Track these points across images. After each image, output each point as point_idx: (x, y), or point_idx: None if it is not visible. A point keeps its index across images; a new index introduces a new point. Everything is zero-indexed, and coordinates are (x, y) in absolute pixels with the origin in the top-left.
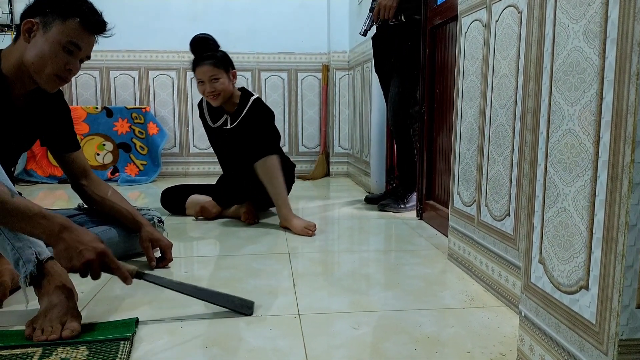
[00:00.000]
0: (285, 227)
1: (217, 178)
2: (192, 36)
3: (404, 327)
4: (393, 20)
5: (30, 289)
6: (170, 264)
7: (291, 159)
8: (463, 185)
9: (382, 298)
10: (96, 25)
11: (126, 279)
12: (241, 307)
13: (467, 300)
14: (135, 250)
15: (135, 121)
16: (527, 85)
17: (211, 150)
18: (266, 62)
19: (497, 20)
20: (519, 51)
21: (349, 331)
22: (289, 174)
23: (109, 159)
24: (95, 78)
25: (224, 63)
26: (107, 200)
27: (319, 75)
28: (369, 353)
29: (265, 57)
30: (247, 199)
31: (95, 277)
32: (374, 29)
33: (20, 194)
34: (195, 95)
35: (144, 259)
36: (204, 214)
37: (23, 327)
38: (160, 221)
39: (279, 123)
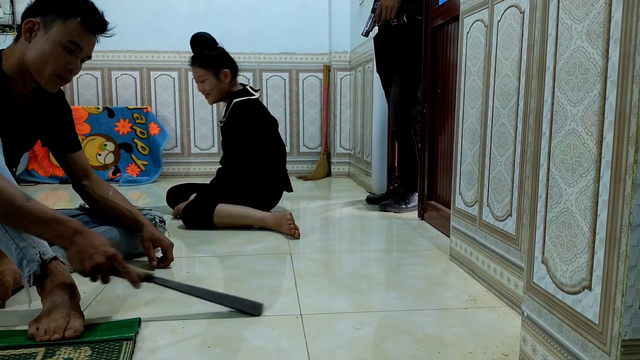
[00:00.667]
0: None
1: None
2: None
3: (406, 328)
4: (395, 20)
5: (33, 288)
6: (171, 264)
7: (292, 159)
8: (465, 185)
9: (384, 298)
10: (97, 24)
11: (135, 283)
12: (251, 309)
13: (469, 301)
14: (137, 250)
15: (137, 121)
16: (530, 85)
17: (212, 150)
18: (267, 62)
19: (499, 21)
20: (521, 51)
21: (351, 331)
22: (266, 189)
23: (110, 159)
24: (97, 78)
25: (213, 63)
26: (108, 200)
27: (320, 75)
28: (371, 353)
29: (266, 58)
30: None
31: (105, 280)
32: (375, 30)
33: None
34: (196, 95)
35: (145, 258)
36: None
37: (26, 327)
38: (162, 221)
39: (279, 124)
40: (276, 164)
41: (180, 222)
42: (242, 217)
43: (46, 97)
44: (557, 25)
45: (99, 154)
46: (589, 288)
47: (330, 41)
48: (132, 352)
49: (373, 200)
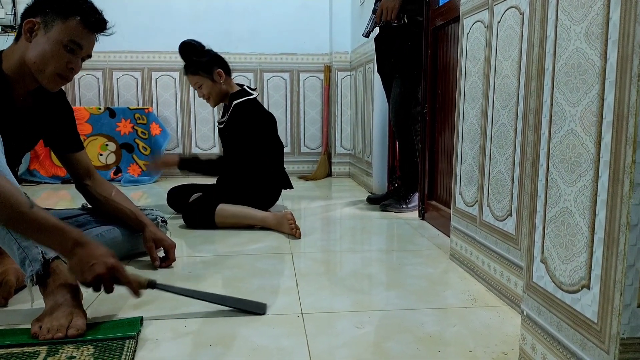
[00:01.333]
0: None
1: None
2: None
3: (406, 327)
4: (395, 21)
5: (36, 287)
6: (173, 264)
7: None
8: (465, 185)
9: (384, 298)
10: (97, 23)
11: (135, 293)
12: (255, 308)
13: (470, 300)
14: (139, 249)
15: (138, 122)
16: (529, 86)
17: (213, 150)
18: (268, 62)
19: (499, 22)
20: (520, 52)
21: (352, 330)
22: (266, 188)
23: (111, 159)
24: (98, 79)
25: (204, 67)
26: (110, 200)
27: (321, 75)
28: (372, 352)
29: (267, 58)
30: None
31: (108, 290)
32: (376, 31)
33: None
34: (197, 96)
35: (147, 258)
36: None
37: (29, 326)
38: (164, 221)
39: (280, 124)
40: (275, 162)
41: (181, 222)
42: (243, 217)
43: (47, 97)
44: (556, 27)
45: (101, 154)
46: (588, 287)
47: (331, 42)
48: (135, 351)
49: (374, 200)
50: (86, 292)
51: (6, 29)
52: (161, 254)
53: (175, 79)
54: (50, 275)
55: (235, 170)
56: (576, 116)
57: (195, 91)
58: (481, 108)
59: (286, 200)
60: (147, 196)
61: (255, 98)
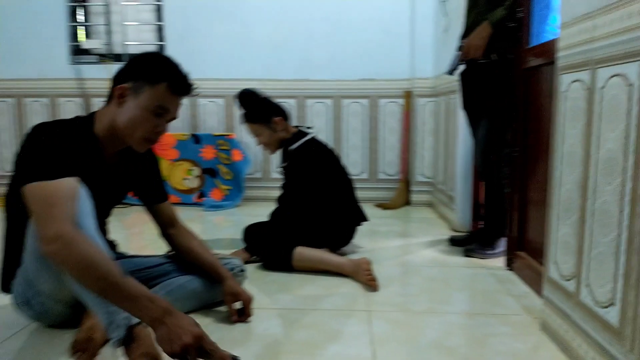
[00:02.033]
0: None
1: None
2: (281, 70)
3: None
4: (483, 59)
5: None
6: (249, 319)
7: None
8: (560, 256)
9: None
10: (183, 88)
11: None
12: None
13: None
14: (217, 299)
15: (221, 147)
16: None
17: None
18: (347, 88)
19: (603, 88)
20: (628, 128)
21: None
22: (338, 226)
23: (195, 183)
24: (185, 106)
25: (259, 117)
26: (192, 250)
27: (401, 101)
28: None
29: (346, 84)
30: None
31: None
32: (461, 68)
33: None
34: None
35: (225, 309)
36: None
37: None
38: (242, 270)
39: (357, 150)
40: (344, 197)
41: (253, 265)
42: (320, 262)
43: (135, 153)
44: None
45: (186, 179)
46: None
47: (412, 67)
48: None
49: (457, 242)
50: None
51: (102, 58)
52: (238, 305)
53: None
54: (133, 341)
55: (300, 211)
56: None
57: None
58: (580, 177)
59: (362, 237)
60: (228, 223)
61: (312, 138)
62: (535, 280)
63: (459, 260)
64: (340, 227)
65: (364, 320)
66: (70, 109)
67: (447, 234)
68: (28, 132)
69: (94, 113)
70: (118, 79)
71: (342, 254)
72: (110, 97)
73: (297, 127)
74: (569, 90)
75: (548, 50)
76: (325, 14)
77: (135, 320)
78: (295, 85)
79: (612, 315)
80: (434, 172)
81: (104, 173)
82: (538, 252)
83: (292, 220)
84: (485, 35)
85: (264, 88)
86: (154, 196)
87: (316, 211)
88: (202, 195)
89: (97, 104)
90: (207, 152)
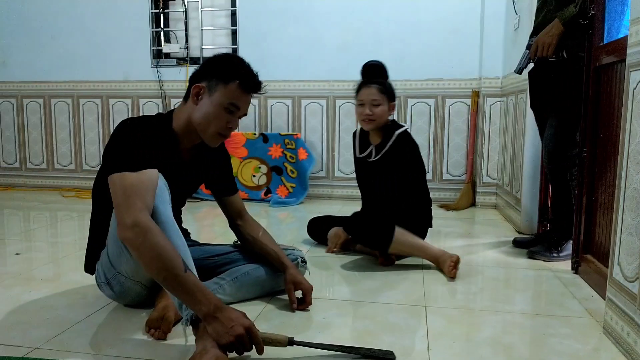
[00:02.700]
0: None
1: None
2: (348, 71)
3: None
4: (553, 57)
5: (189, 328)
6: (309, 307)
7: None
8: (625, 256)
9: None
10: (254, 86)
11: (261, 350)
12: (385, 354)
13: None
14: (280, 287)
15: (287, 146)
16: None
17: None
18: (413, 88)
19: None
20: None
21: None
22: (423, 215)
23: (263, 180)
24: (255, 106)
25: (388, 92)
26: (258, 240)
27: (468, 101)
28: None
29: (412, 84)
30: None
31: (247, 349)
32: (530, 66)
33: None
34: (342, 122)
35: (287, 298)
36: (332, 241)
37: None
38: (304, 261)
39: (423, 149)
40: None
41: (319, 257)
42: (418, 249)
43: (208, 148)
44: None
45: (254, 176)
46: None
47: (481, 66)
48: None
49: (521, 244)
50: None
51: (180, 61)
52: (299, 294)
53: (322, 106)
54: (202, 320)
55: (407, 198)
56: None
57: (341, 112)
58: None
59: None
60: (292, 219)
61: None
62: (601, 284)
63: (522, 262)
64: (427, 217)
65: (421, 315)
66: (150, 109)
67: (511, 235)
68: (116, 127)
69: (172, 111)
70: (194, 78)
71: None
72: (187, 96)
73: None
74: (637, 87)
75: (620, 47)
76: (392, 14)
77: None
78: None
79: None
80: (500, 173)
81: (181, 165)
82: (605, 256)
83: (400, 204)
84: (555, 33)
85: (331, 89)
86: (225, 189)
87: (419, 195)
88: (268, 192)
89: (175, 104)
90: (275, 151)
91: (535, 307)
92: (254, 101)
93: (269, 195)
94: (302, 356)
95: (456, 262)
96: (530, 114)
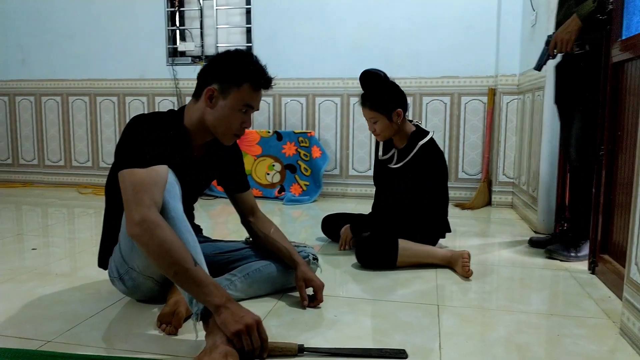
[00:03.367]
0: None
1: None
2: (361, 69)
3: None
4: (577, 49)
5: (199, 323)
6: (320, 305)
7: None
8: None
9: None
10: (264, 83)
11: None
12: (397, 353)
13: None
14: (291, 284)
15: (301, 144)
16: None
17: (368, 173)
18: (428, 86)
19: None
20: None
21: None
22: (437, 222)
23: (277, 178)
24: (269, 104)
25: (383, 105)
26: (269, 237)
27: (484, 99)
28: None
29: (427, 82)
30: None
31: (254, 342)
32: (549, 63)
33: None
34: (356, 120)
35: (297, 294)
36: (342, 239)
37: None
38: (315, 258)
39: None
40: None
41: (331, 255)
42: (426, 256)
43: (220, 145)
44: None
45: (268, 174)
46: None
47: (497, 64)
48: None
49: (537, 244)
50: None
51: (195, 59)
52: (310, 291)
53: (336, 104)
54: (212, 315)
55: (422, 208)
56: None
57: (356, 111)
58: None
59: None
60: (305, 217)
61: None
62: (619, 285)
63: (538, 262)
64: (441, 226)
65: (433, 314)
66: (166, 107)
67: (527, 235)
68: (127, 123)
69: (183, 107)
70: (204, 77)
71: None
72: (197, 94)
73: (411, 121)
74: None
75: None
76: (407, 12)
77: None
78: None
79: None
80: (517, 171)
81: (192, 162)
82: (623, 256)
83: (409, 215)
84: (573, 29)
85: (345, 87)
86: (237, 185)
87: (435, 203)
88: (282, 189)
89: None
90: (289, 149)
91: (551, 307)
92: (268, 99)
93: (283, 193)
94: None
95: (468, 259)
96: (547, 111)
